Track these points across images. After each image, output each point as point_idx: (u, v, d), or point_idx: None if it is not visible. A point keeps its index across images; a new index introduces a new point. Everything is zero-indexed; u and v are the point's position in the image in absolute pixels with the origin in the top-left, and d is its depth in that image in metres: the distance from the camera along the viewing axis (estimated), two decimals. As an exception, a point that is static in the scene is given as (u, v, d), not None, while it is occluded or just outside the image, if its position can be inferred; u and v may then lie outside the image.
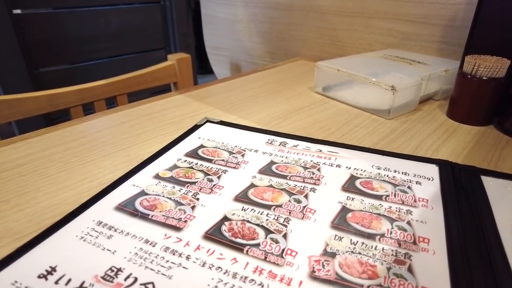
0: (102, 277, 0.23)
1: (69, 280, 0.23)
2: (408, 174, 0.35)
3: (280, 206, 0.30)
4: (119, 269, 0.24)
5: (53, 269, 0.24)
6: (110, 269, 0.24)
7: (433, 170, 0.36)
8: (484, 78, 0.46)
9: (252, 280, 0.23)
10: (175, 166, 0.36)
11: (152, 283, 0.23)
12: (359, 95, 0.53)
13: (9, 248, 0.26)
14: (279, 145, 0.41)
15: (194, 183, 0.33)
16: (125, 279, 0.23)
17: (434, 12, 0.64)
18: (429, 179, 0.34)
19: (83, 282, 0.23)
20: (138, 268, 0.24)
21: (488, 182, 0.34)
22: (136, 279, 0.23)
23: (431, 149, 0.41)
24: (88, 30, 1.55)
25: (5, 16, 1.29)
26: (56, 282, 0.23)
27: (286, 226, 0.27)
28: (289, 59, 0.87)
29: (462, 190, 0.33)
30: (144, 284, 0.23)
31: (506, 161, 0.39)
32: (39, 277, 0.23)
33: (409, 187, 0.33)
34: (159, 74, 0.85)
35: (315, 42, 0.84)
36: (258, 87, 0.63)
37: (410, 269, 0.24)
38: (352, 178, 0.34)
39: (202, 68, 2.48)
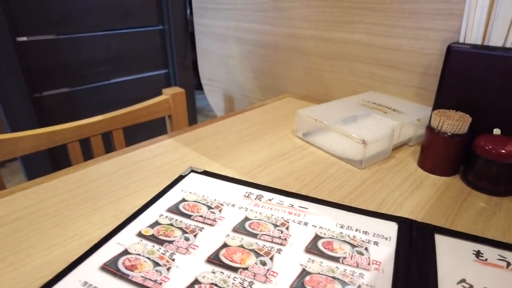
0: None
1: None
2: (368, 234, 0.38)
3: (247, 268, 0.33)
4: (99, 334, 0.27)
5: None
6: (91, 333, 0.27)
7: (392, 229, 0.39)
8: (448, 134, 0.50)
9: None
10: (156, 223, 0.40)
11: None
12: (335, 144, 0.57)
13: (3, 310, 0.30)
14: (255, 198, 0.45)
15: (171, 242, 0.37)
16: None
17: (411, 60, 0.68)
18: (387, 238, 0.38)
19: None
20: (115, 333, 0.27)
21: (441, 242, 0.38)
22: None
23: (396, 203, 0.45)
24: (89, 54, 1.60)
25: (9, 44, 1.34)
26: None
27: (249, 290, 0.31)
28: (278, 95, 0.91)
29: (416, 252, 0.36)
30: None
31: (463, 217, 0.43)
32: None
33: (366, 249, 0.36)
34: (154, 108, 0.89)
35: (302, 81, 0.88)
36: (245, 130, 0.67)
37: (353, 336, 0.27)
38: (316, 238, 0.37)
39: (201, 84, 2.54)
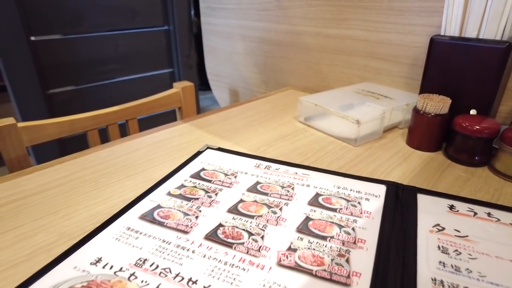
0: (134, 264, 0.34)
1: (112, 266, 0.34)
2: (361, 192, 0.45)
3: (261, 216, 0.41)
4: (146, 259, 0.34)
5: (100, 259, 0.35)
6: (139, 259, 0.34)
7: (381, 189, 0.46)
8: (431, 114, 0.57)
9: (238, 266, 0.33)
10: (182, 186, 0.47)
11: (169, 268, 0.33)
12: (333, 126, 0.64)
13: (66, 245, 0.37)
14: (264, 168, 0.52)
15: (197, 199, 0.44)
16: (150, 266, 0.34)
17: (401, 53, 0.76)
18: (377, 196, 0.45)
19: (122, 267, 0.33)
20: (159, 258, 0.34)
21: (422, 199, 0.45)
22: (158, 266, 0.34)
23: (385, 172, 0.52)
24: (97, 53, 1.67)
25: (24, 43, 1.41)
26: (103, 267, 0.33)
27: (264, 230, 0.38)
28: (280, 88, 0.98)
29: (400, 205, 0.43)
30: (164, 269, 0.33)
31: (442, 182, 0.50)
32: (91, 264, 0.34)
33: (359, 203, 0.43)
34: (165, 100, 0.96)
35: (302, 74, 0.95)
36: (251, 116, 0.75)
37: (347, 260, 0.34)
38: (317, 195, 0.45)
39: (203, 85, 2.62)
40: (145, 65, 1.86)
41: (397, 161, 0.56)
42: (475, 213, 0.42)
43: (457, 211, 0.43)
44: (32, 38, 1.46)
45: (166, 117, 1.18)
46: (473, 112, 0.57)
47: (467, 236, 0.38)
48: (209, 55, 1.22)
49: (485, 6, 0.54)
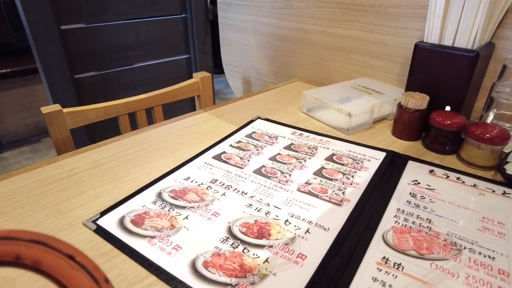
0: (210, 181, 0.52)
1: (196, 181, 0.52)
2: (365, 155, 0.62)
3: (291, 163, 0.58)
4: (216, 180, 0.53)
5: (189, 177, 0.54)
6: (213, 179, 0.53)
7: (381, 155, 0.62)
8: (412, 110, 0.70)
9: (272, 188, 0.52)
10: (239, 141, 0.66)
11: (231, 185, 0.51)
12: (330, 117, 0.77)
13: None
14: (298, 135, 0.69)
15: (249, 150, 0.62)
16: (220, 183, 0.52)
17: (394, 53, 0.91)
18: (377, 159, 0.61)
19: (202, 182, 0.52)
20: (225, 180, 0.53)
21: (411, 164, 0.59)
22: (224, 183, 0.52)
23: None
24: (119, 40, 1.77)
25: (55, 32, 1.53)
26: (191, 181, 0.52)
27: (291, 171, 0.56)
28: (289, 79, 1.14)
29: (392, 166, 0.59)
30: (227, 185, 0.51)
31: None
32: (183, 179, 0.53)
33: (361, 161, 0.60)
34: (186, 89, 1.04)
35: (308, 68, 1.11)
36: (261, 107, 0.86)
37: (343, 193, 0.51)
38: (332, 155, 0.62)
39: (217, 68, 2.70)
40: (163, 51, 1.96)
41: (382, 147, 0.68)
42: (448, 176, 0.57)
43: (435, 174, 0.57)
44: (62, 27, 1.57)
45: (185, 104, 1.30)
46: (447, 108, 0.68)
47: (434, 189, 0.53)
48: (225, 47, 1.36)
49: (459, 20, 0.66)
